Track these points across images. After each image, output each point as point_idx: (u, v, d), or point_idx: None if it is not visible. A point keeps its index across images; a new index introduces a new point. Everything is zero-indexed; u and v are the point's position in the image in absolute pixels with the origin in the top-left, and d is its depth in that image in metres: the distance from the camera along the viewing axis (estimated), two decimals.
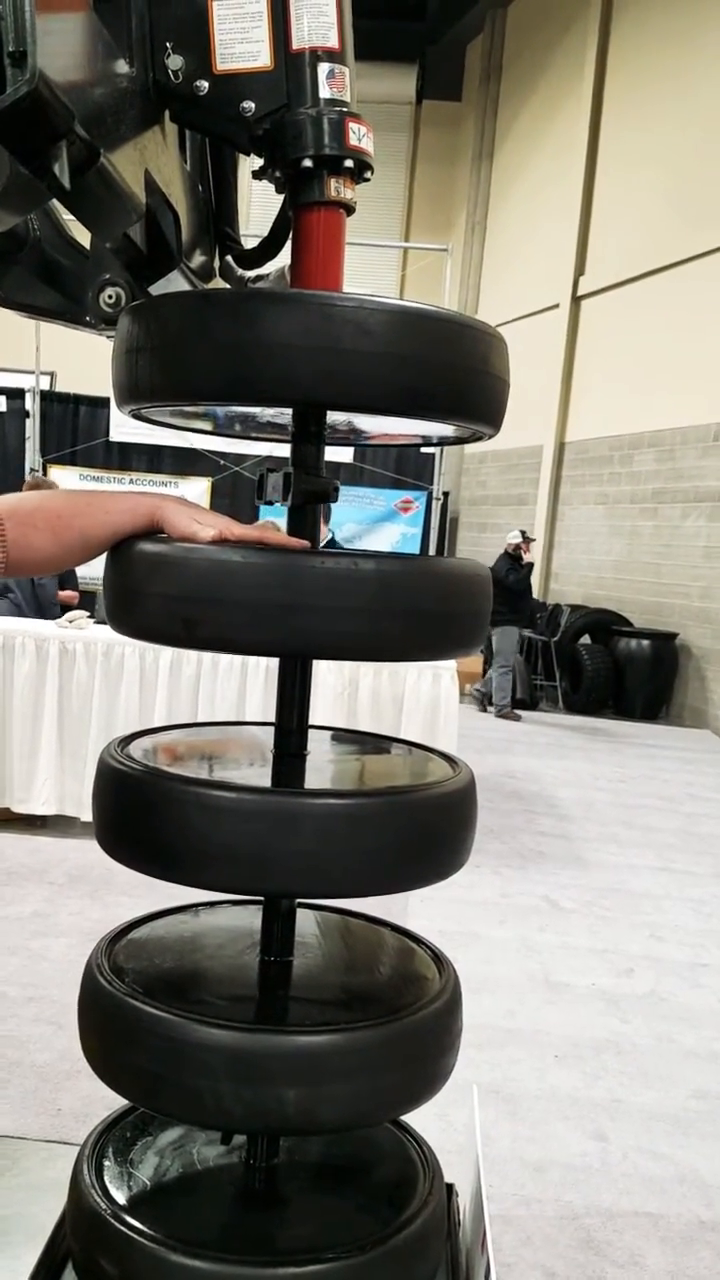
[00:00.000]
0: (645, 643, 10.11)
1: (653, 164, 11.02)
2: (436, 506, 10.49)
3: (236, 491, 8.79)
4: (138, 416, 1.49)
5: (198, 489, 8.02)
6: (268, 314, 1.25)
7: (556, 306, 12.65)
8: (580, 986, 3.87)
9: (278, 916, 1.50)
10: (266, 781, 1.47)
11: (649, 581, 10.64)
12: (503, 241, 14.67)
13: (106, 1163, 1.55)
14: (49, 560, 1.35)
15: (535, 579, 12.64)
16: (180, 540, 1.31)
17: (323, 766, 1.59)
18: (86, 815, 4.83)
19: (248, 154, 1.44)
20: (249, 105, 1.34)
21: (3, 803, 4.90)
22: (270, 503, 1.49)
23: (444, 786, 1.38)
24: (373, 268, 13.42)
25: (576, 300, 12.39)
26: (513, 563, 9.47)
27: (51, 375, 11.55)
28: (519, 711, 9.69)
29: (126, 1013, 1.35)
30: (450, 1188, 1.73)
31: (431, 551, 10.12)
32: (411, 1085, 1.38)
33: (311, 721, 1.55)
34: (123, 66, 1.27)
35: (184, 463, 9.46)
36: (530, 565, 9.70)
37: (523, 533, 9.62)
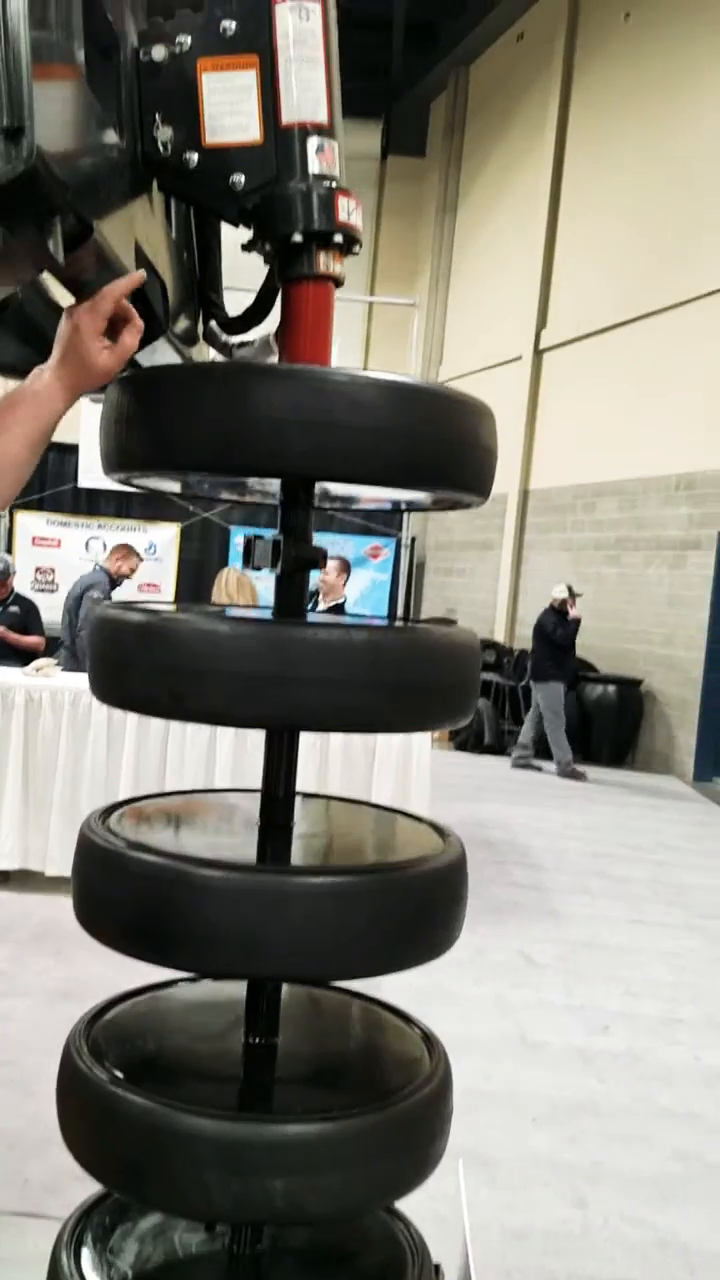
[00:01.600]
0: (611, 689, 10.16)
1: (613, 218, 11.27)
2: (406, 553, 10.53)
3: (206, 537, 8.78)
4: (125, 483, 1.47)
5: (166, 535, 8.01)
6: (260, 388, 1.24)
7: (519, 359, 12.83)
8: (556, 1045, 3.82)
9: (263, 997, 1.46)
10: (251, 853, 1.44)
11: (614, 628, 10.72)
12: (466, 294, 14.90)
13: (85, 1250, 1.49)
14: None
15: (500, 624, 12.71)
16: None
17: (307, 836, 1.56)
18: (51, 869, 4.73)
19: (236, 226, 1.44)
20: (238, 178, 1.34)
21: None
22: (258, 568, 1.47)
23: (436, 861, 1.35)
24: (339, 321, 13.53)
25: (539, 353, 12.58)
26: (559, 617, 9.16)
27: None
28: (581, 769, 9.24)
29: (108, 1100, 1.31)
30: (438, 1269, 1.68)
31: (400, 597, 10.14)
32: (403, 1173, 1.34)
33: None
34: (112, 137, 1.27)
35: (153, 508, 9.43)
36: (578, 620, 9.25)
37: (569, 588, 9.35)
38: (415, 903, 1.31)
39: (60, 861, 4.69)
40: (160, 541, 8.03)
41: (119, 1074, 1.34)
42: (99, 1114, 1.32)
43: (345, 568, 6.55)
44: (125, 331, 1.28)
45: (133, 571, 6.20)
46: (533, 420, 12.63)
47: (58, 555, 7.27)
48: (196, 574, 7.92)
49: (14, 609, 6.20)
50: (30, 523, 9.30)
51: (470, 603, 13.63)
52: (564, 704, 9.23)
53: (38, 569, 7.24)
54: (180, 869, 1.25)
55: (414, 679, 1.27)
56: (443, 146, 15.53)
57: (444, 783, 7.80)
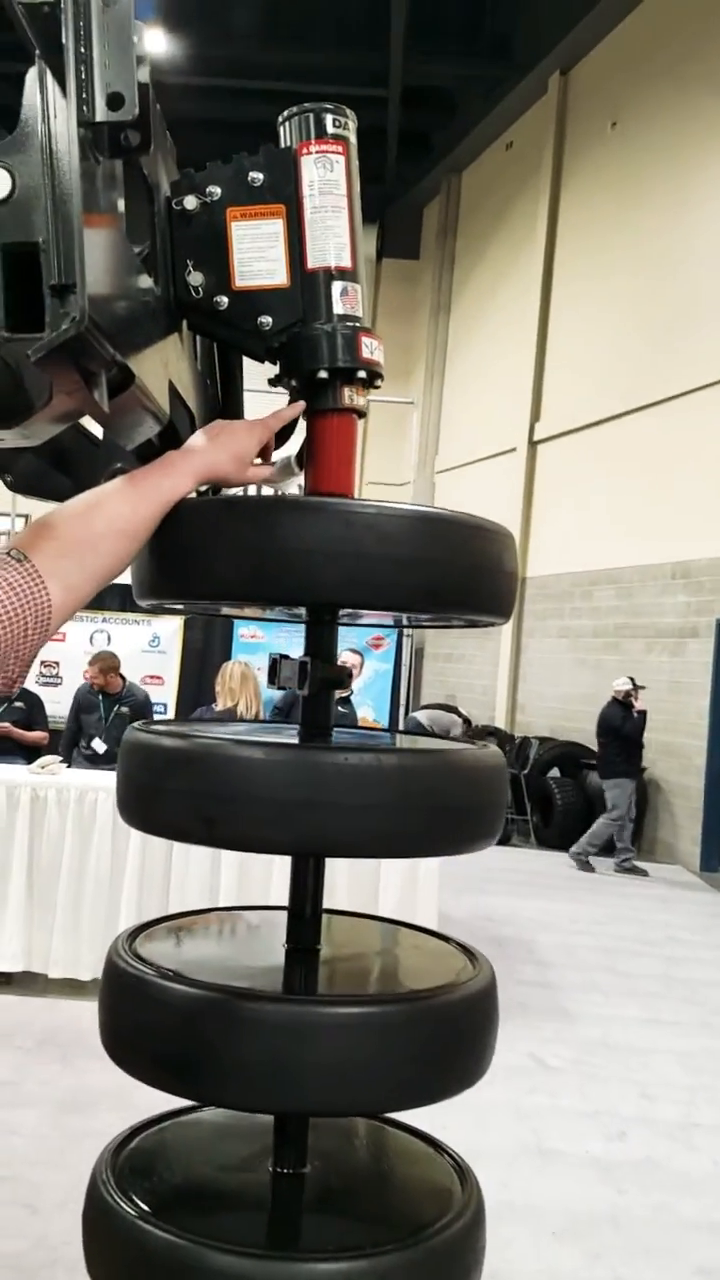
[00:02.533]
0: None
1: (604, 314, 11.60)
2: (408, 642, 10.58)
3: (208, 627, 8.82)
4: (155, 609, 1.50)
5: (170, 627, 8.05)
6: (288, 520, 1.28)
7: (514, 450, 13.08)
8: (573, 1154, 3.72)
9: (291, 1128, 1.44)
10: (279, 979, 1.43)
11: None
12: (462, 389, 15.24)
13: None
14: (95, 589, 1.25)
15: (500, 710, 12.71)
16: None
17: (332, 960, 1.54)
18: (55, 971, 4.66)
19: (263, 362, 1.49)
20: (266, 320, 1.40)
21: None
22: (283, 688, 1.49)
23: (469, 988, 1.35)
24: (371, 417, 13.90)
25: (533, 444, 12.82)
26: (625, 710, 8.84)
27: (26, 517, 11.67)
28: (642, 865, 9.03)
29: (136, 1236, 1.28)
30: None
31: (403, 687, 10.13)
32: None
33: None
34: (147, 282, 1.33)
35: None
36: (644, 713, 8.92)
37: (631, 680, 9.09)
38: (449, 1033, 1.30)
39: (64, 964, 4.62)
40: (164, 634, 8.07)
41: (146, 1208, 1.31)
42: (127, 1250, 1.29)
43: (360, 661, 6.57)
44: (270, 462, 1.39)
45: (114, 686, 6.15)
46: (529, 509, 12.81)
47: (62, 649, 7.30)
48: (199, 665, 7.93)
49: (19, 704, 6.19)
50: None
51: (470, 689, 13.65)
52: (630, 799, 8.94)
53: (43, 662, 7.25)
54: (211, 999, 1.25)
55: (445, 803, 1.28)
56: (436, 249, 16.05)
57: (450, 873, 7.71)
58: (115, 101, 1.02)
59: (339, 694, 5.80)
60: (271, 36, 10.36)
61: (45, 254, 1.01)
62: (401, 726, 9.61)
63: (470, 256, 15.33)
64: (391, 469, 15.33)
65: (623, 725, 8.82)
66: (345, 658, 6.32)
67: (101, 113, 1.02)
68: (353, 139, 1.45)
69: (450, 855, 1.39)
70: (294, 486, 1.61)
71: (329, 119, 1.43)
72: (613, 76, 11.74)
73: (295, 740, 1.47)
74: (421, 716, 11.01)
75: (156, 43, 8.94)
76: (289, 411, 1.41)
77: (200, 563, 1.31)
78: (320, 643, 1.46)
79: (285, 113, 1.45)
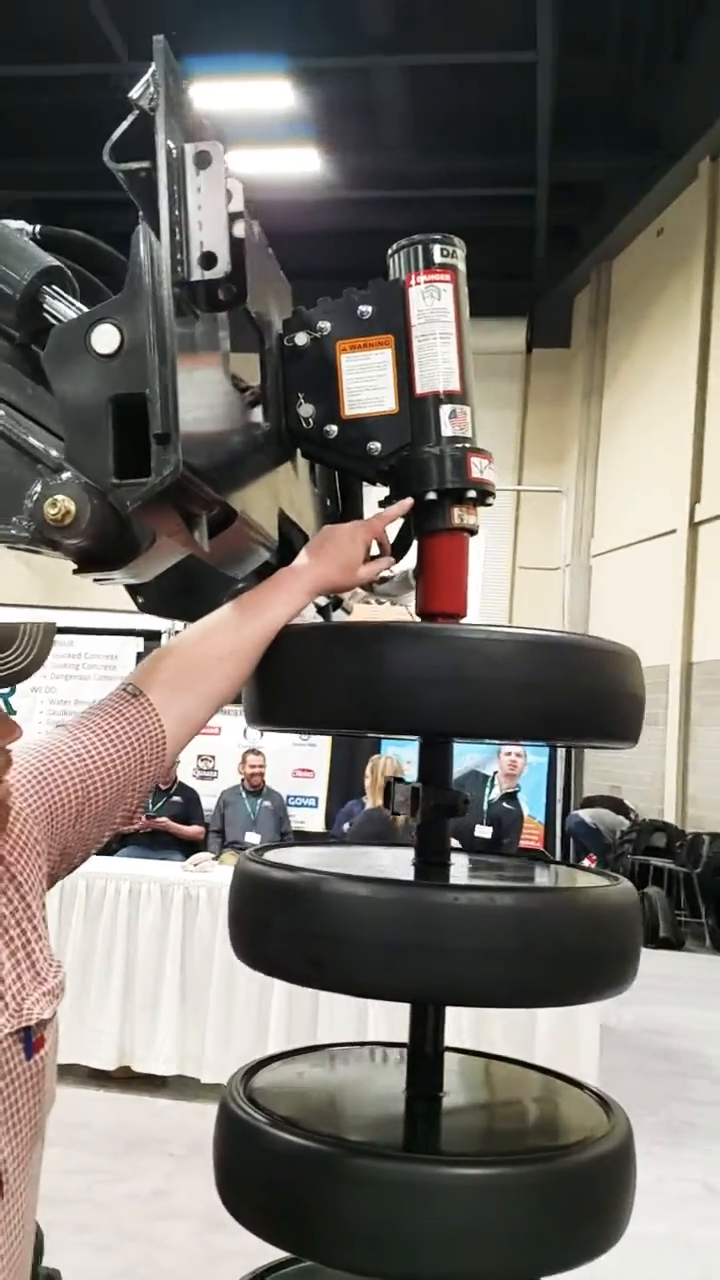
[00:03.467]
0: None
1: None
2: None
3: None
4: (268, 729, 1.50)
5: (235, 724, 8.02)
6: (392, 647, 1.25)
7: (674, 532, 12.77)
8: None
9: None
10: (398, 1130, 1.36)
11: None
12: (616, 473, 15.06)
13: None
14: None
15: (670, 803, 12.18)
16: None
17: (455, 1109, 1.45)
18: (207, 1076, 4.63)
19: (374, 484, 1.50)
20: (375, 445, 1.40)
21: (123, 1060, 4.76)
22: (397, 814, 1.45)
23: (603, 1146, 1.25)
24: (484, 513, 13.93)
25: (694, 525, 12.49)
26: None
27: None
28: None
29: None
30: None
31: (560, 779, 9.85)
32: None
33: None
34: (256, 417, 1.36)
35: None
36: None
37: None
38: (578, 1197, 1.20)
39: (216, 1069, 4.59)
40: (231, 730, 8.08)
41: None
42: None
43: (521, 755, 6.44)
44: (380, 557, 1.41)
45: (256, 774, 6.34)
46: (692, 592, 12.43)
47: (217, 743, 7.44)
48: (349, 757, 7.92)
49: (177, 799, 6.34)
50: None
51: (637, 780, 13.16)
52: None
53: (199, 756, 7.42)
54: (322, 1152, 1.19)
55: (566, 949, 1.20)
56: (587, 336, 16.07)
57: None
58: (209, 261, 1.05)
59: (504, 789, 5.65)
60: (420, 146, 10.74)
61: (151, 404, 1.04)
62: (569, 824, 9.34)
63: (622, 341, 15.27)
64: (545, 554, 15.21)
65: None
66: (508, 753, 6.19)
67: (196, 272, 1.05)
68: (461, 266, 1.46)
69: (573, 1005, 1.30)
70: (412, 600, 1.59)
71: (436, 249, 1.44)
72: None
73: (409, 873, 1.42)
74: (585, 816, 10.67)
75: (311, 162, 9.42)
76: (393, 511, 1.42)
77: (306, 690, 1.30)
78: (434, 768, 1.42)
79: (394, 245, 1.48)
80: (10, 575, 9.52)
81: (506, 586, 14.99)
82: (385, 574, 1.75)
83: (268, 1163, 1.24)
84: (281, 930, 1.25)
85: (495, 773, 6.38)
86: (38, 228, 1.32)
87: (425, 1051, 1.41)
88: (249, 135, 7.92)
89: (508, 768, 6.30)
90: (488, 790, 6.34)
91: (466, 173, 11.48)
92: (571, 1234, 1.22)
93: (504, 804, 6.39)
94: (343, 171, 10.20)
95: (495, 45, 7.56)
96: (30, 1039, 1.01)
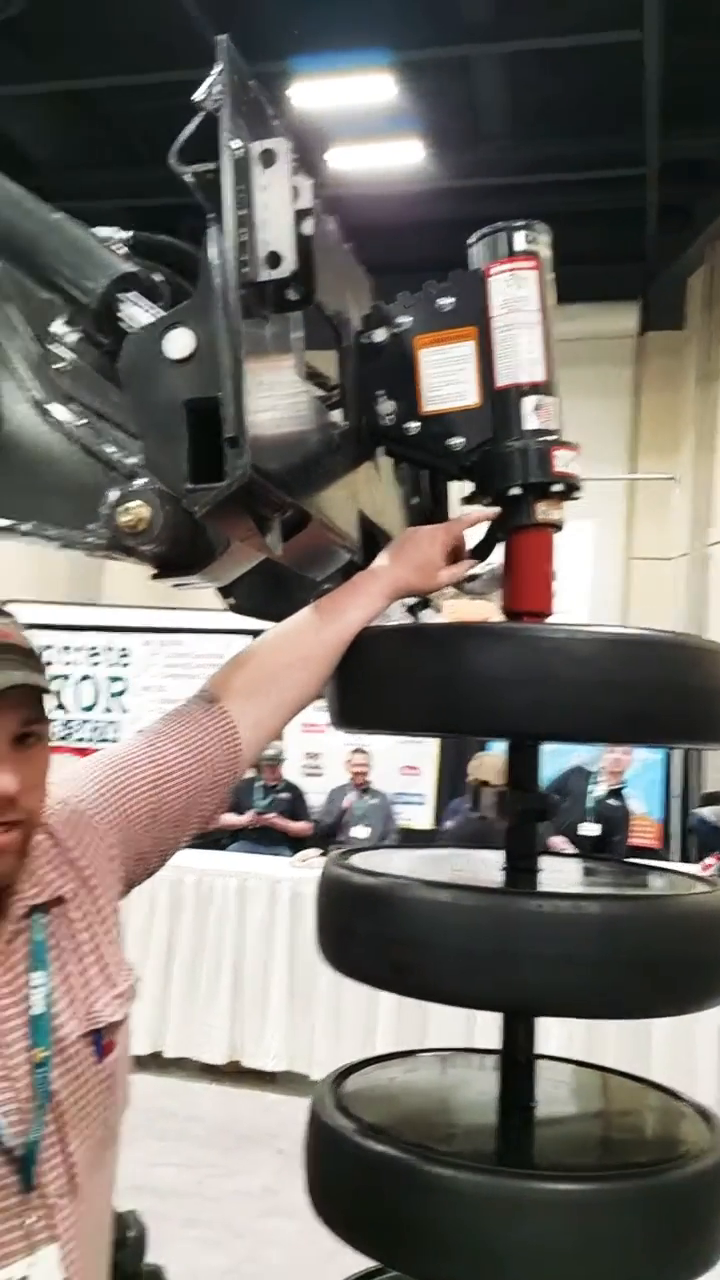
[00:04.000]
0: None
1: None
2: None
3: None
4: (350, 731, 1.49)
5: None
6: (473, 648, 1.22)
7: None
8: None
9: None
10: (488, 1139, 1.33)
11: None
12: None
13: None
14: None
15: None
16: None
17: (548, 1120, 1.41)
18: (316, 1073, 4.66)
19: (458, 480, 1.47)
20: (457, 441, 1.37)
21: (233, 1055, 4.83)
22: (484, 818, 1.42)
23: (704, 1161, 1.19)
24: (596, 503, 13.67)
25: None
26: None
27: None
28: None
29: None
30: None
31: (677, 775, 9.57)
32: None
33: None
34: (334, 417, 1.34)
35: None
36: None
37: None
38: (677, 1214, 1.15)
39: (325, 1065, 4.60)
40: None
41: None
42: None
43: (627, 754, 6.29)
44: (461, 561, 1.38)
45: (360, 773, 6.39)
46: None
47: (324, 740, 7.48)
48: (456, 753, 7.84)
49: (284, 795, 6.40)
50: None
51: None
52: None
53: (306, 753, 7.48)
54: (409, 1163, 1.17)
55: (657, 959, 1.15)
56: (702, 318, 15.57)
57: None
58: (274, 260, 1.04)
59: (610, 785, 5.48)
60: (522, 133, 10.58)
61: (223, 407, 1.03)
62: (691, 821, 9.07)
63: None
64: (661, 545, 14.83)
65: None
66: (611, 750, 6.04)
67: (262, 272, 1.04)
68: (545, 252, 1.41)
69: (667, 1016, 1.25)
70: (499, 599, 1.56)
71: (519, 235, 1.40)
72: None
73: (498, 878, 1.38)
74: (708, 814, 10.35)
75: (414, 154, 9.38)
76: (474, 515, 1.40)
77: (386, 694, 1.28)
78: (521, 771, 1.38)
79: (475, 235, 1.44)
80: (122, 576, 9.77)
81: (620, 579, 14.67)
82: (474, 571, 1.72)
83: (354, 1170, 1.23)
84: (364, 935, 1.24)
85: (601, 768, 6.23)
86: (130, 234, 1.33)
87: (517, 1060, 1.38)
88: (353, 132, 7.92)
89: (611, 765, 6.15)
90: (592, 787, 6.20)
91: (571, 157, 11.23)
92: (670, 1252, 1.17)
93: (610, 801, 6.23)
94: (446, 162, 10.11)
95: (597, 26, 7.37)
96: (100, 1042, 1.02)
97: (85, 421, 1.20)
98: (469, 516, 1.40)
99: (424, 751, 7.69)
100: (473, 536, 1.55)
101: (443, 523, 1.42)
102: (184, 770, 1.16)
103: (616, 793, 6.32)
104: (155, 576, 1.22)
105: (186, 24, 6.21)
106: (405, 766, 7.52)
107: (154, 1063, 4.93)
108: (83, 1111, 1.01)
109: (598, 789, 6.22)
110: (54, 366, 1.21)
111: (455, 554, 1.38)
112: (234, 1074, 4.88)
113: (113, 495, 1.12)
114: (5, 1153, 0.95)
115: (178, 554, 1.16)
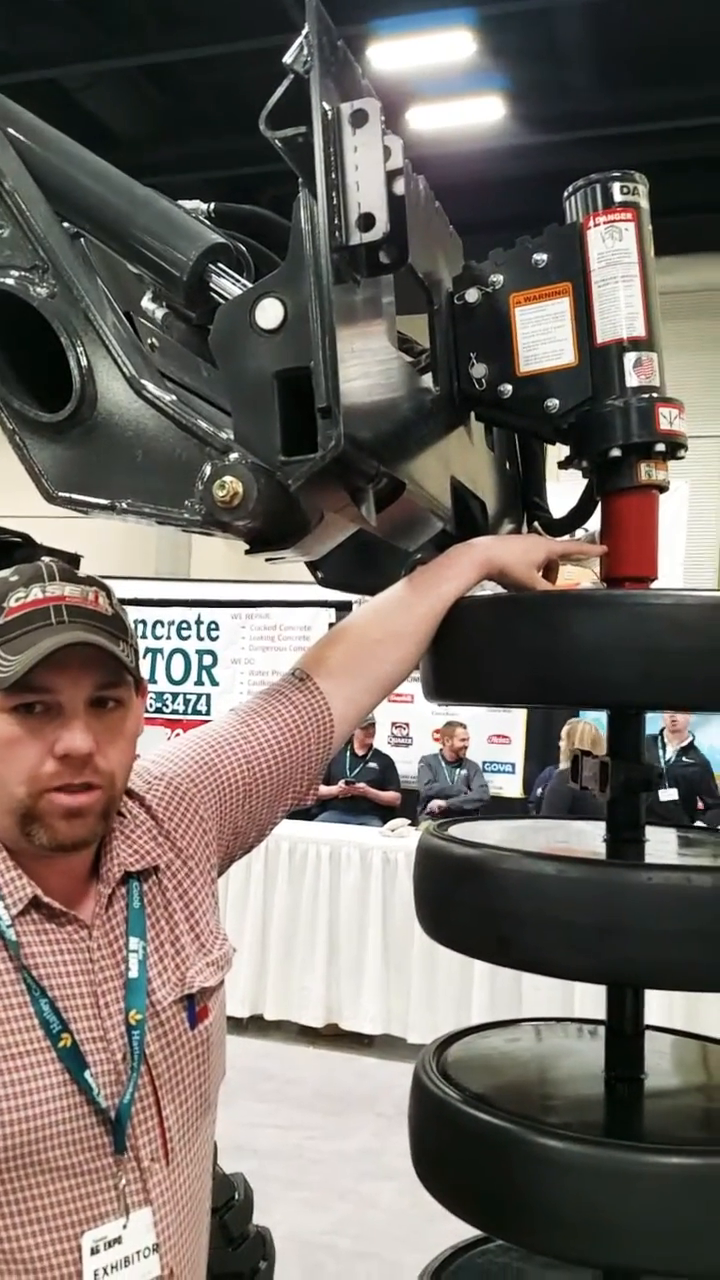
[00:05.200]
0: None
1: None
2: None
3: None
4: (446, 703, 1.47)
5: None
6: (574, 616, 1.20)
7: None
8: None
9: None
10: (597, 1112, 1.32)
11: None
12: None
13: None
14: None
15: None
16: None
17: (656, 1093, 1.39)
18: (413, 1036, 4.70)
19: (554, 444, 1.43)
20: (553, 402, 1.33)
21: (331, 1018, 4.89)
22: (585, 789, 1.40)
23: None
24: (690, 462, 13.29)
25: None
26: None
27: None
28: None
29: None
30: None
31: None
32: None
33: None
34: (425, 383, 1.31)
35: None
36: None
37: None
38: None
39: (421, 1029, 4.65)
40: None
41: None
42: None
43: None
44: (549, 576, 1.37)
45: (463, 747, 6.37)
46: None
47: (411, 710, 7.47)
48: (546, 722, 7.76)
49: (373, 765, 6.42)
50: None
51: None
52: None
53: (393, 724, 7.48)
54: (516, 1133, 1.16)
55: None
56: None
57: None
58: (367, 222, 1.01)
59: (678, 745, 5.28)
60: (607, 83, 10.27)
61: (315, 377, 1.02)
62: None
63: None
64: None
65: None
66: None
67: (355, 235, 1.02)
68: (643, 203, 1.36)
69: None
70: (596, 564, 1.52)
71: (616, 187, 1.35)
72: None
73: (598, 849, 1.36)
74: None
75: (495, 111, 9.17)
76: (583, 548, 1.39)
77: (484, 665, 1.26)
78: (623, 741, 1.35)
79: (570, 187, 1.40)
80: (210, 550, 9.86)
81: (716, 541, 14.29)
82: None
83: (459, 1140, 1.23)
84: (468, 906, 1.23)
85: (663, 728, 6.06)
86: (212, 205, 1.32)
87: (624, 1031, 1.36)
88: (433, 90, 7.79)
89: (670, 724, 5.99)
90: (661, 751, 6.04)
91: (661, 105, 10.87)
92: None
93: (683, 759, 6.07)
94: (530, 117, 9.88)
95: None
96: (193, 1008, 1.03)
97: (176, 397, 1.20)
98: (583, 547, 1.40)
99: (513, 720, 7.63)
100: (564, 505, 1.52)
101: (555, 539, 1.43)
102: (277, 747, 1.17)
103: (688, 749, 6.13)
104: (249, 551, 1.21)
105: None
106: (494, 735, 7.48)
107: (254, 1025, 5.03)
108: (176, 1077, 1.02)
109: (665, 752, 6.06)
110: (147, 342, 1.21)
111: (551, 569, 1.37)
112: (331, 1037, 4.95)
113: (207, 470, 1.11)
114: (100, 1113, 0.96)
115: (272, 528, 1.15)
